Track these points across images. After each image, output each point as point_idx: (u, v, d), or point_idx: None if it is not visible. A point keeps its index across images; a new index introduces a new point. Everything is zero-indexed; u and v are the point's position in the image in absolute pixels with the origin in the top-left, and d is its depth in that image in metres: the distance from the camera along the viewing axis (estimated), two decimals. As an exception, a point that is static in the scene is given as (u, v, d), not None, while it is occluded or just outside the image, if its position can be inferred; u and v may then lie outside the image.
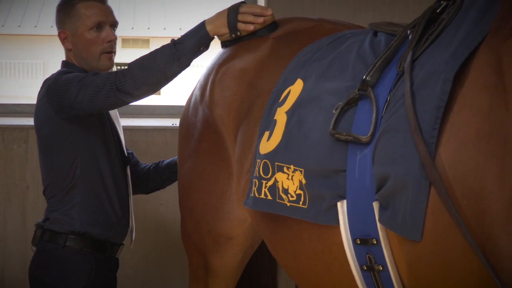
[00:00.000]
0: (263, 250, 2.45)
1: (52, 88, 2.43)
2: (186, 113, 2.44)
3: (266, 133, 1.98)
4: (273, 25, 2.27)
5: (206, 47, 2.32)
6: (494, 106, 1.44)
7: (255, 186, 1.95)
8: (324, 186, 1.75)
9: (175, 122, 3.37)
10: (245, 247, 2.32)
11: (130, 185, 2.63)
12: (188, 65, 2.32)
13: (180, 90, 16.75)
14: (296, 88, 1.94)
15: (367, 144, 1.67)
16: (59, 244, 2.45)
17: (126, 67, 2.34)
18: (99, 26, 2.48)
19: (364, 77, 1.72)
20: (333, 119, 1.74)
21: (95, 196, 2.48)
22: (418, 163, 1.51)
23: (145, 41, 16.51)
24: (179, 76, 2.35)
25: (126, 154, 2.64)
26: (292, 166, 1.83)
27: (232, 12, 2.26)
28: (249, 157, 2.06)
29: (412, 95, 1.58)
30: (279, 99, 2.00)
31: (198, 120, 2.33)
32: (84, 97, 2.34)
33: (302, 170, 1.80)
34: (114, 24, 2.53)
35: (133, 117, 3.41)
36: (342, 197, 1.71)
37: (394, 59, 1.74)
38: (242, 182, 2.09)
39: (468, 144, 1.46)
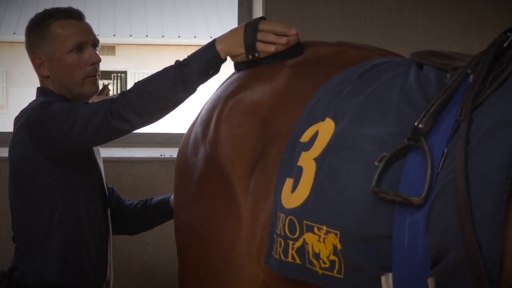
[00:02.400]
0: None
1: (34, 122, 2.09)
2: (183, 152, 2.12)
3: (289, 181, 1.69)
4: (297, 48, 1.95)
5: (216, 70, 1.99)
6: None
7: (280, 247, 1.66)
8: (364, 254, 1.46)
9: (164, 152, 3.07)
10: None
11: (110, 229, 2.33)
12: (194, 90, 2.00)
13: (169, 115, 16.44)
14: (326, 130, 1.65)
15: (419, 207, 1.38)
16: None
17: (124, 92, 2.01)
18: (79, 48, 2.16)
19: (415, 124, 1.44)
20: (376, 173, 1.45)
21: (72, 243, 2.18)
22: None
23: (111, 48, 16.15)
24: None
25: (107, 193, 2.33)
26: (324, 227, 1.54)
27: (250, 29, 1.93)
28: (266, 209, 1.77)
29: (466, 157, 1.31)
30: (301, 138, 1.72)
31: (199, 161, 2.01)
32: (75, 130, 2.00)
33: (337, 233, 1.51)
34: (96, 43, 2.21)
35: (117, 147, 3.08)
36: (386, 269, 1.43)
37: (450, 103, 1.46)
38: (258, 237, 1.80)
39: None
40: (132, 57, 16.74)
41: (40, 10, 2.26)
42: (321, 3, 3.11)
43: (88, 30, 2.20)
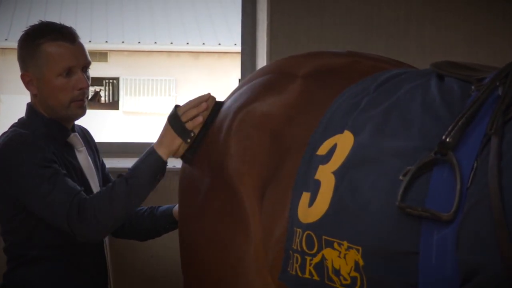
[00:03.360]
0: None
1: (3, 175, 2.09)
2: (191, 164, 2.08)
3: (305, 195, 1.64)
4: (218, 104, 2.03)
5: (163, 173, 2.07)
6: None
7: (296, 263, 1.62)
8: (389, 271, 1.42)
9: (168, 162, 3.00)
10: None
11: (105, 242, 2.29)
12: (146, 195, 2.07)
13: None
14: (345, 143, 1.61)
15: (448, 222, 1.34)
16: None
17: (81, 210, 2.00)
18: (68, 71, 2.11)
19: (443, 137, 1.40)
20: (402, 188, 1.40)
21: (63, 258, 2.17)
22: None
23: (103, 54, 16.10)
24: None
25: None
26: (345, 243, 1.50)
27: (173, 119, 2.00)
28: (281, 223, 1.72)
29: (500, 172, 1.27)
30: (318, 151, 1.67)
31: (206, 174, 1.96)
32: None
33: (360, 248, 1.47)
34: (86, 65, 2.16)
35: (118, 157, 3.02)
36: (412, 286, 1.39)
37: (478, 116, 1.43)
38: (272, 252, 1.75)
39: None
40: (124, 63, 16.69)
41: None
42: (327, 11, 3.07)
43: (79, 53, 2.13)
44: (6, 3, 16.38)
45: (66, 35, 2.12)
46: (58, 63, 2.09)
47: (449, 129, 1.40)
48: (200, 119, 1.97)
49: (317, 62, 1.94)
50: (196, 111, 1.97)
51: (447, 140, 1.39)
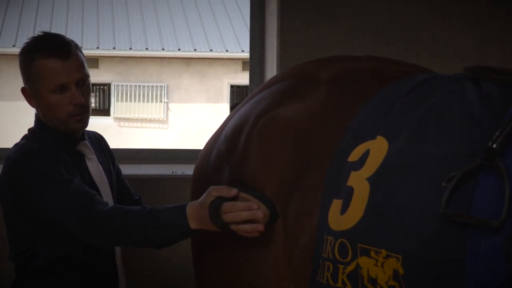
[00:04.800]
0: None
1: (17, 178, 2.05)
2: (202, 170, 2.02)
3: (336, 202, 1.60)
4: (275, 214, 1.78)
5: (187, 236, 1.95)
6: None
7: (328, 271, 1.58)
8: (431, 280, 1.38)
9: (175, 169, 2.97)
10: None
11: (118, 265, 2.24)
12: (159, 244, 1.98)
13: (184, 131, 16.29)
14: (378, 148, 1.57)
15: (497, 230, 1.31)
16: None
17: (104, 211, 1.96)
18: (62, 88, 2.07)
19: (490, 144, 1.37)
20: (446, 194, 1.37)
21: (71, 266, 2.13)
22: None
23: (94, 61, 16.02)
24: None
25: None
26: (383, 251, 1.46)
27: (214, 215, 1.79)
28: (308, 231, 1.68)
29: None
30: (349, 157, 1.63)
31: (222, 180, 1.91)
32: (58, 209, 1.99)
33: (399, 257, 1.43)
34: (81, 79, 2.09)
35: (126, 164, 2.96)
36: None
37: None
38: (296, 262, 1.71)
39: None
40: (115, 69, 16.61)
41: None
42: (338, 15, 3.04)
43: (72, 68, 2.08)
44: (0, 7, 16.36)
45: (58, 51, 2.07)
46: (50, 80, 2.06)
47: (496, 134, 1.37)
48: (261, 228, 1.75)
49: (339, 67, 1.91)
50: (248, 216, 1.75)
51: (494, 146, 1.36)
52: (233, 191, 1.79)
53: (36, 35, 2.15)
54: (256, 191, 1.80)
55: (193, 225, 1.85)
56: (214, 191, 1.81)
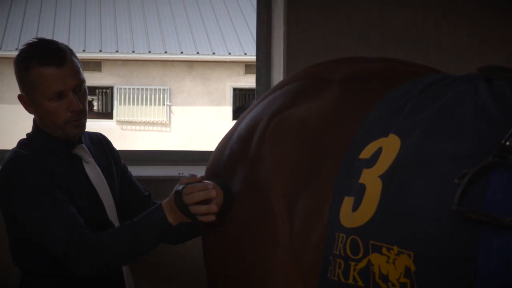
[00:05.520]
0: None
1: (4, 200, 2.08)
2: (215, 169, 2.02)
3: (348, 199, 1.62)
4: (226, 187, 1.93)
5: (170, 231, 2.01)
6: None
7: (339, 268, 1.59)
8: (443, 276, 1.39)
9: (182, 170, 2.98)
10: None
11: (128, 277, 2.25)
12: (149, 250, 2.04)
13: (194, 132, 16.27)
14: (391, 146, 1.58)
15: (509, 228, 1.32)
16: None
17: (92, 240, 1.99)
18: (59, 95, 2.06)
19: (503, 141, 1.38)
20: (459, 192, 1.39)
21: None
22: None
23: (97, 64, 16.05)
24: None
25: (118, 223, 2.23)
26: (395, 248, 1.47)
27: (178, 198, 1.92)
28: (319, 229, 1.69)
29: None
30: (360, 154, 1.65)
31: (235, 181, 1.92)
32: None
33: (411, 254, 1.44)
34: (77, 85, 2.09)
35: (132, 165, 2.95)
36: None
37: None
38: (308, 259, 1.72)
39: None
40: (118, 72, 16.64)
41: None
42: (343, 17, 3.05)
43: (67, 76, 2.07)
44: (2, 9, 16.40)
45: (52, 58, 2.06)
46: (47, 88, 2.05)
47: (509, 132, 1.39)
48: (214, 208, 1.88)
49: (352, 67, 1.92)
50: (204, 196, 1.89)
51: (507, 143, 1.38)
52: (199, 177, 1.94)
53: (30, 41, 2.13)
54: (218, 179, 1.95)
55: (169, 217, 1.95)
56: (183, 180, 1.95)
